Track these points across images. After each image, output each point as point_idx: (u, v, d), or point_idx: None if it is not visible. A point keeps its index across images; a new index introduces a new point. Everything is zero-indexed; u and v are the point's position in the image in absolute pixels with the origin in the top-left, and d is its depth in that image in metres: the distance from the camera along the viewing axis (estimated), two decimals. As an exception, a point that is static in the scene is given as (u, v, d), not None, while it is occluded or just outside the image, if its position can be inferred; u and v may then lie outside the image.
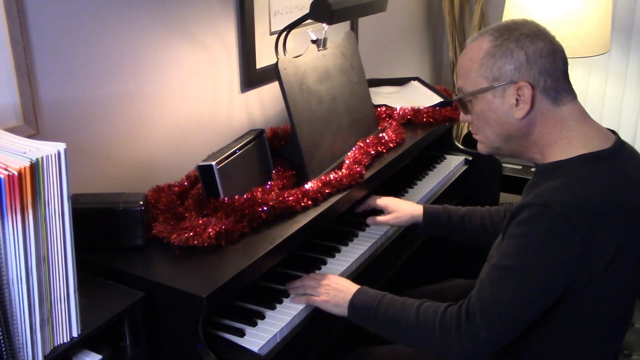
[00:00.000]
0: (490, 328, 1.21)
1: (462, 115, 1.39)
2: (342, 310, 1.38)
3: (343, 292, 1.39)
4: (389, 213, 1.73)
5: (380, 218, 1.72)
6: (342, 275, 1.53)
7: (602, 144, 1.26)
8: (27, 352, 0.98)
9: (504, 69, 1.26)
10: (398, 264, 1.80)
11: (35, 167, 0.93)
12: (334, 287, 1.41)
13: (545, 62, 1.25)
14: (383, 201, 1.75)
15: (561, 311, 1.25)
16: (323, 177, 1.61)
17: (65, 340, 1.05)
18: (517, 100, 1.26)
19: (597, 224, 1.17)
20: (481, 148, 1.38)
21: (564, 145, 1.27)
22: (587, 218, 1.17)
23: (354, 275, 1.57)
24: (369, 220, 1.73)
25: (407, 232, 1.82)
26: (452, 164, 2.26)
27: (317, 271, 1.53)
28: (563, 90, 1.27)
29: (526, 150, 1.32)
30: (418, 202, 1.93)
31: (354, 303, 1.37)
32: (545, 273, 1.19)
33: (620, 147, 1.27)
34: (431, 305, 1.30)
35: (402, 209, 1.72)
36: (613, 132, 1.32)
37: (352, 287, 1.40)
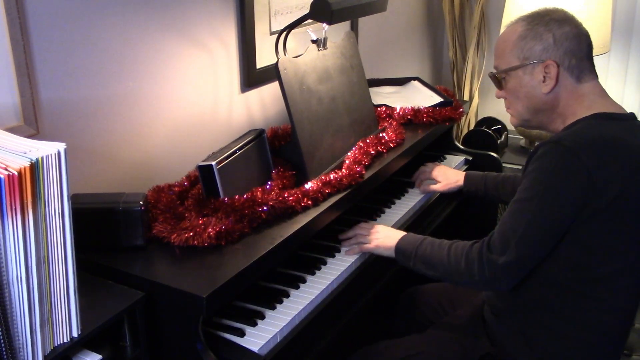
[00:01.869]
0: (508, 255, 1.34)
1: (497, 92, 1.56)
2: (390, 252, 1.58)
3: (390, 238, 1.58)
4: (439, 183, 2.00)
5: (432, 187, 2.00)
6: (342, 275, 1.53)
7: (617, 112, 1.41)
8: (27, 352, 0.98)
9: (534, 50, 1.43)
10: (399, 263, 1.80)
11: (35, 167, 0.93)
12: (383, 234, 1.61)
13: (570, 44, 1.41)
14: (432, 173, 2.03)
15: (567, 251, 1.34)
16: (323, 177, 1.61)
17: (65, 340, 1.05)
18: (544, 77, 1.43)
19: (603, 160, 1.29)
20: (512, 121, 1.56)
21: (584, 112, 1.41)
22: (594, 154, 1.29)
23: (355, 274, 1.58)
24: (422, 188, 2.01)
25: (408, 230, 1.82)
26: (452, 164, 2.26)
27: (322, 266, 1.53)
28: (586, 70, 1.43)
29: (552, 122, 1.48)
30: (418, 202, 1.96)
31: (399, 246, 1.56)
32: (555, 202, 1.31)
33: (634, 117, 1.43)
34: (461, 243, 1.45)
35: (449, 177, 2.00)
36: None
37: (398, 234, 1.59)
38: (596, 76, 1.45)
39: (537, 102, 1.46)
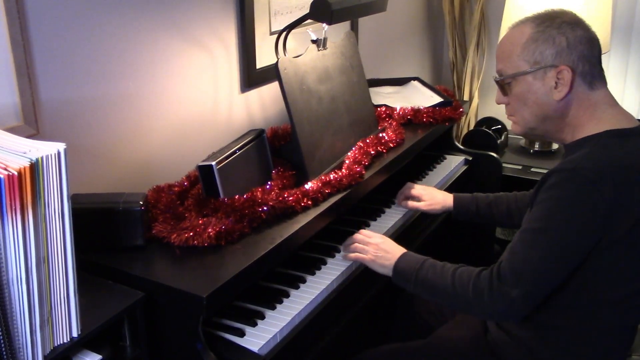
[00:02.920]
0: (521, 287, 1.27)
1: (497, 97, 1.47)
2: (387, 271, 1.48)
3: (390, 254, 1.49)
4: (423, 201, 1.85)
5: (414, 204, 1.85)
6: (342, 275, 1.54)
7: (628, 125, 1.34)
8: (27, 352, 0.98)
9: (546, 54, 1.34)
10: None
11: (35, 167, 0.93)
12: (383, 248, 1.51)
13: (584, 49, 1.33)
14: (417, 191, 1.87)
15: (581, 277, 1.30)
16: (323, 177, 1.61)
17: (65, 340, 1.05)
18: (556, 82, 1.34)
19: (620, 189, 1.23)
20: (515, 128, 1.47)
21: (594, 125, 1.35)
22: (612, 182, 1.23)
23: (355, 275, 1.58)
24: (404, 203, 1.86)
25: (408, 231, 1.83)
26: (452, 164, 2.26)
27: (322, 266, 1.53)
28: (597, 76, 1.36)
29: (559, 131, 1.41)
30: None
31: (398, 266, 1.46)
32: (573, 234, 1.25)
33: None
34: (466, 270, 1.37)
35: (435, 198, 1.85)
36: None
37: (397, 252, 1.49)
38: (605, 82, 1.39)
39: (547, 110, 1.37)
